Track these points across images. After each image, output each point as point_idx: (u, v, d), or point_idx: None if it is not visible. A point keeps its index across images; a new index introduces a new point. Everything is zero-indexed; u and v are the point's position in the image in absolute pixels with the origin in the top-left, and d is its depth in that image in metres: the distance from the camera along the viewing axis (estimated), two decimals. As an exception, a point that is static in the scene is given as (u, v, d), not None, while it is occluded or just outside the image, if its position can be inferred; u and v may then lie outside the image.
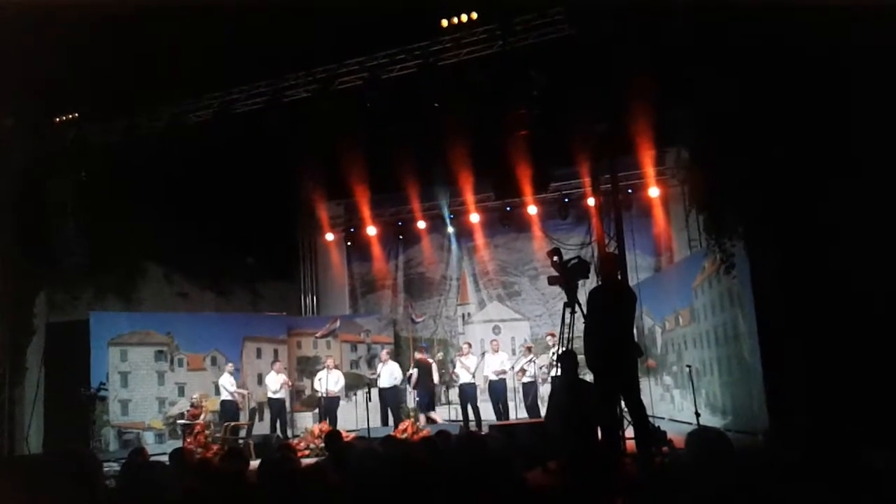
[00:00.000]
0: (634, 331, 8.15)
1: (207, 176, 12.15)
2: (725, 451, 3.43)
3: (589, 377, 7.53)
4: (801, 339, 7.76)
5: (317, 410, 13.72)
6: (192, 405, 11.95)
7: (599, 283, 7.36)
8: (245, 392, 13.15)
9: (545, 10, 9.56)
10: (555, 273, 7.98)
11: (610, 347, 6.62)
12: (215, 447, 10.94)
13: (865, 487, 3.47)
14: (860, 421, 6.80)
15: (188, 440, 11.27)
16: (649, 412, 7.20)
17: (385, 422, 13.13)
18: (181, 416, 12.22)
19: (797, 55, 7.36)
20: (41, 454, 11.60)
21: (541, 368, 12.81)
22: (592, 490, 5.24)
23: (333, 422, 12.57)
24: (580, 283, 8.00)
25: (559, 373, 8.16)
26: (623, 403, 6.97)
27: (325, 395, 13.07)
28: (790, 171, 7.73)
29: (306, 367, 14.53)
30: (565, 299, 7.90)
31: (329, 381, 13.14)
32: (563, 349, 7.94)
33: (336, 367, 13.73)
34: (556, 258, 7.68)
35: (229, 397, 12.67)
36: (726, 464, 3.30)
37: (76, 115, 11.57)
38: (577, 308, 7.56)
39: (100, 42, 9.39)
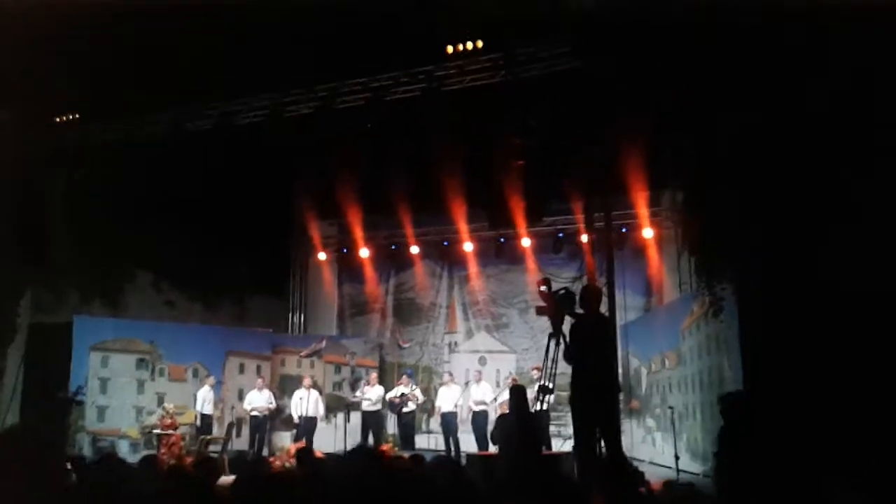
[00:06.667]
0: (618, 366, 8.08)
1: (204, 185, 12.13)
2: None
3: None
4: (785, 387, 7.69)
5: (294, 431, 13.57)
6: (166, 413, 11.73)
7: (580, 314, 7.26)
8: (220, 405, 13.02)
9: (549, 41, 9.64)
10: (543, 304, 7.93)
11: (588, 380, 6.59)
12: (189, 459, 10.77)
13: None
14: (846, 472, 6.72)
15: (162, 451, 11.10)
16: (630, 454, 7.12)
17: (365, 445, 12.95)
18: (155, 426, 12.05)
19: (791, 98, 7.41)
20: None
21: (524, 402, 12.68)
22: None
23: (310, 443, 12.38)
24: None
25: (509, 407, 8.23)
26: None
27: (303, 414, 12.92)
28: (783, 216, 7.73)
29: (289, 386, 14.32)
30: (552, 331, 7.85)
31: (309, 401, 13.01)
32: (543, 383, 7.88)
33: (314, 386, 13.56)
34: (544, 287, 7.61)
35: (206, 411, 12.52)
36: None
37: (77, 115, 11.58)
38: (561, 340, 7.50)
39: (103, 45, 9.46)
